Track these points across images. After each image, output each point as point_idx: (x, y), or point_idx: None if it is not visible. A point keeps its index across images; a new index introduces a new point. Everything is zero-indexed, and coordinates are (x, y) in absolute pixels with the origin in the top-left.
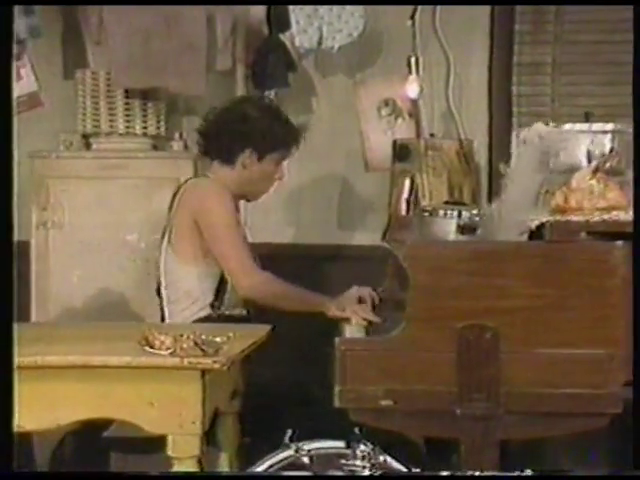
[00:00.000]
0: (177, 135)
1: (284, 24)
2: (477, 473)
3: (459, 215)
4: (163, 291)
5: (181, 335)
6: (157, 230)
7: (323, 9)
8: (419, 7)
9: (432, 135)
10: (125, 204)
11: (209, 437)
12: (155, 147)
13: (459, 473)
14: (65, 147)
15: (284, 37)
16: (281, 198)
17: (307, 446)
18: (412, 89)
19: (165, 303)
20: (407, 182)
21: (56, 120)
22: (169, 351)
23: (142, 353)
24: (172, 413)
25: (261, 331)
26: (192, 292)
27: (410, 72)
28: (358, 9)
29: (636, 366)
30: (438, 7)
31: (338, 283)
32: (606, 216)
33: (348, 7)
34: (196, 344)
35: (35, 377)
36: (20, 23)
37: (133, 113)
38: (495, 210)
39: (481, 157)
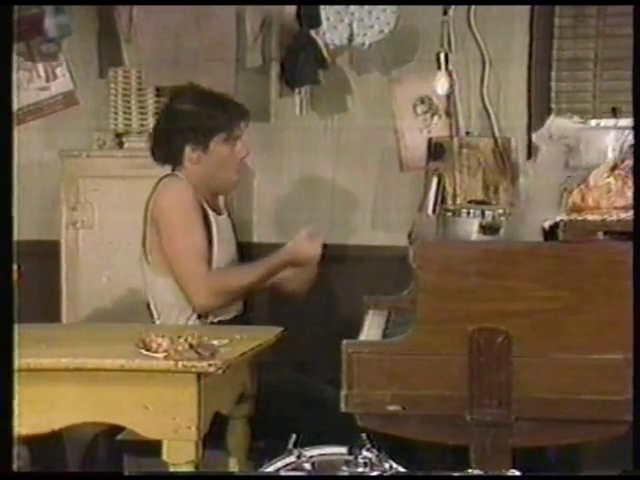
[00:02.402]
0: None
1: (314, 21)
2: (477, 473)
3: (482, 215)
4: (152, 307)
5: (179, 337)
6: None
7: (354, 5)
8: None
9: (468, 133)
10: None
11: (219, 441)
12: None
13: (459, 473)
14: (98, 146)
15: (315, 34)
16: (313, 197)
17: (309, 452)
18: (441, 85)
19: (155, 319)
20: (434, 180)
21: (91, 119)
22: (164, 354)
23: (137, 356)
24: (167, 417)
25: (270, 333)
26: (173, 305)
27: (439, 68)
28: (390, 5)
29: (636, 366)
30: (472, 6)
31: (371, 285)
32: (623, 215)
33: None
34: (191, 347)
35: (29, 380)
36: (50, 22)
37: None
38: (519, 209)
39: (519, 155)
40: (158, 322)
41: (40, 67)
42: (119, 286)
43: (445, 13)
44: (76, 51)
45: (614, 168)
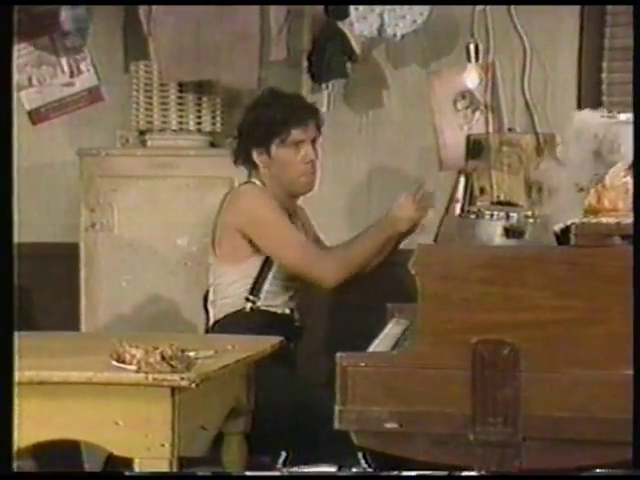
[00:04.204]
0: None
1: (342, 11)
2: (477, 473)
3: (507, 217)
4: (209, 303)
5: (155, 348)
6: (209, 233)
7: None
8: None
9: (510, 129)
10: (176, 205)
11: (216, 457)
12: (212, 144)
13: (459, 473)
14: (121, 144)
15: (343, 25)
16: (348, 198)
17: (299, 471)
18: (471, 79)
19: (209, 302)
20: (462, 180)
21: (116, 115)
22: (136, 366)
23: (107, 368)
24: (139, 434)
25: (266, 343)
26: (228, 289)
27: (469, 60)
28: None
29: (636, 366)
30: None
31: (405, 288)
32: None
33: None
34: (164, 358)
35: None
36: (66, 14)
37: (186, 108)
38: (545, 211)
39: None
40: (209, 306)
41: (64, 62)
42: (139, 292)
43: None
44: (101, 44)
45: (632, 167)
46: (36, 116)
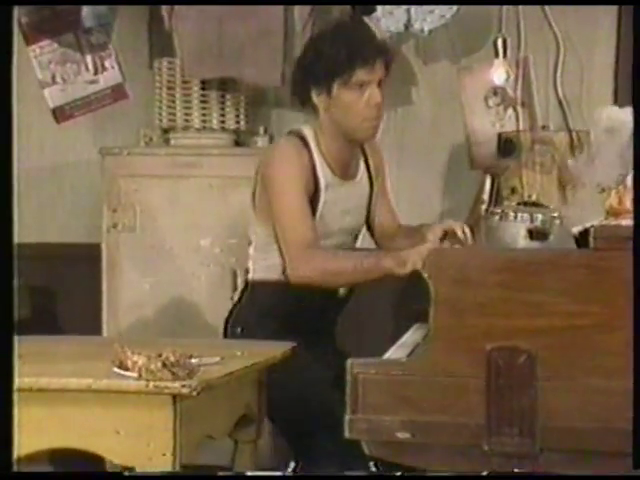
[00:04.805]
0: (262, 129)
1: (369, 7)
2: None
3: (531, 218)
4: (250, 248)
5: (159, 355)
6: (233, 234)
7: None
8: None
9: (544, 127)
10: (199, 205)
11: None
12: (237, 143)
13: (460, 473)
14: (145, 143)
15: (370, 20)
16: None
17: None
18: (498, 75)
19: (249, 258)
20: (487, 181)
21: (140, 113)
22: (138, 373)
23: (107, 375)
24: (140, 443)
25: (277, 350)
26: (265, 248)
27: (497, 56)
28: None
29: (636, 366)
30: None
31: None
32: None
33: None
34: (165, 365)
35: None
36: (87, 11)
37: (210, 106)
38: (570, 212)
39: None
40: (250, 272)
41: (89, 59)
42: (162, 294)
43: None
44: (126, 41)
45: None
46: (60, 114)
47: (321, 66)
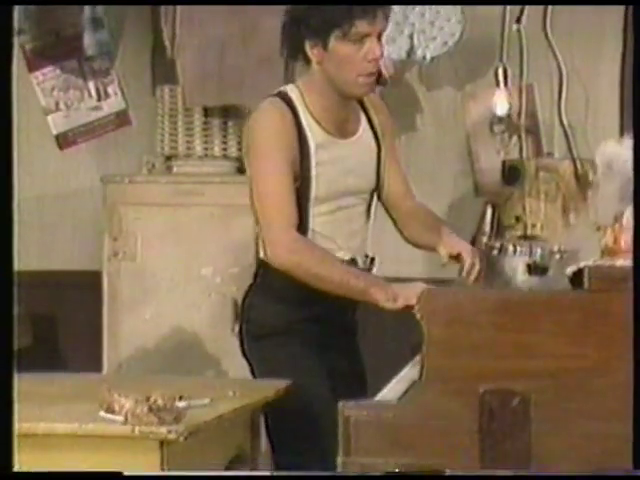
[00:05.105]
0: None
1: None
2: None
3: (530, 253)
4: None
5: (147, 398)
6: (234, 263)
7: (414, 15)
8: (526, 9)
9: (549, 154)
10: (200, 234)
11: None
12: (239, 170)
13: (459, 473)
14: (147, 170)
15: None
16: (377, 228)
17: None
18: (500, 105)
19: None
20: (489, 210)
21: (144, 140)
22: (124, 418)
23: (93, 419)
24: None
25: (271, 388)
26: None
27: (498, 85)
28: (455, 13)
29: (636, 366)
30: (549, 8)
31: None
32: None
33: (443, 12)
34: (151, 410)
35: None
36: (88, 39)
37: (211, 133)
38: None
39: None
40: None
41: (91, 85)
42: (162, 324)
43: (518, 21)
44: (129, 67)
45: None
46: (63, 141)
47: (318, 16)
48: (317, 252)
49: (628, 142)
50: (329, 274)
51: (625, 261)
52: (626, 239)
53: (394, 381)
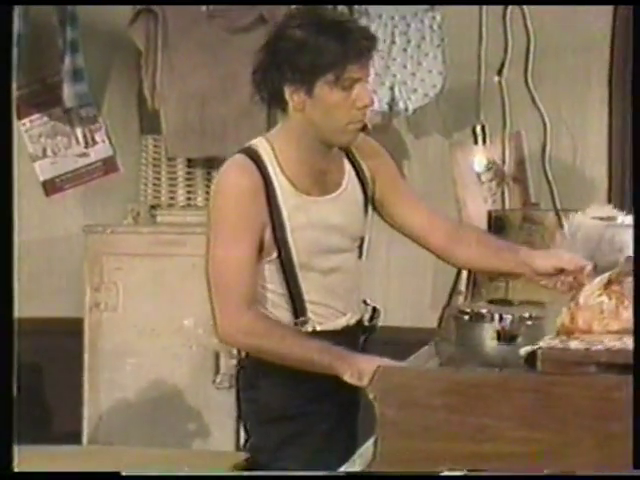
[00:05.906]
0: None
1: None
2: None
3: (500, 319)
4: None
5: None
6: None
7: (395, 66)
8: (507, 60)
9: (535, 204)
10: (182, 285)
11: None
12: None
13: (458, 473)
14: (132, 218)
15: None
16: (364, 276)
17: None
18: (478, 162)
19: None
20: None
21: (130, 188)
22: None
23: None
24: None
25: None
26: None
27: (476, 142)
28: (437, 65)
29: (636, 366)
30: (530, 59)
31: None
32: (613, 343)
33: (425, 64)
34: None
35: None
36: (68, 90)
37: (195, 183)
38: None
39: None
40: None
41: (79, 132)
42: (142, 376)
43: (499, 73)
44: (116, 115)
45: (609, 284)
46: (50, 187)
47: (303, 59)
48: (277, 331)
49: (593, 212)
50: (290, 352)
51: (580, 343)
52: (584, 318)
53: (360, 450)
